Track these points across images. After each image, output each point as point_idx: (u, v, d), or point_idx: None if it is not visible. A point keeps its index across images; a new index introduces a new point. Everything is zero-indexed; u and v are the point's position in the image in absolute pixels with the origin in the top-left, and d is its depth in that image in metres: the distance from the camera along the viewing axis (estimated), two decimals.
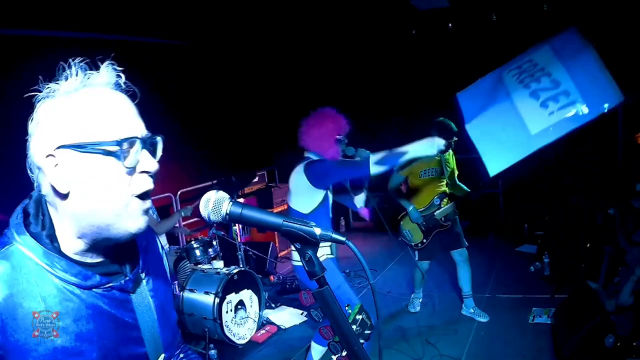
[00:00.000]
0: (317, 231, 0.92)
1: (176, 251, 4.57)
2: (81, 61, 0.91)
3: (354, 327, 1.30)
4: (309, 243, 0.93)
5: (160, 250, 1.15)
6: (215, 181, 5.73)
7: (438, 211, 4.14)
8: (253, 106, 6.68)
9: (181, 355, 1.21)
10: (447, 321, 4.23)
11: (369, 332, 1.36)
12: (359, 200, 3.22)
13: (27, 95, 0.91)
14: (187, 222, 6.00)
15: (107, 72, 0.92)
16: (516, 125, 2.90)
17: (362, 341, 1.34)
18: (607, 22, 5.54)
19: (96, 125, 0.86)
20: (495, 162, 2.92)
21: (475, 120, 3.00)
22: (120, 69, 0.93)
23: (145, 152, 0.89)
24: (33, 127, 0.90)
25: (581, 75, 2.89)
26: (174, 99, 5.52)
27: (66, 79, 0.90)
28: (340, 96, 7.53)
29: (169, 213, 5.82)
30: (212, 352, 3.77)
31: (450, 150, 4.16)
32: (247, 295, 4.16)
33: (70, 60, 0.91)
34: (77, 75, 0.90)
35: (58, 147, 0.86)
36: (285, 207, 4.69)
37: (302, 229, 0.92)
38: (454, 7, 5.81)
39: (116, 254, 0.95)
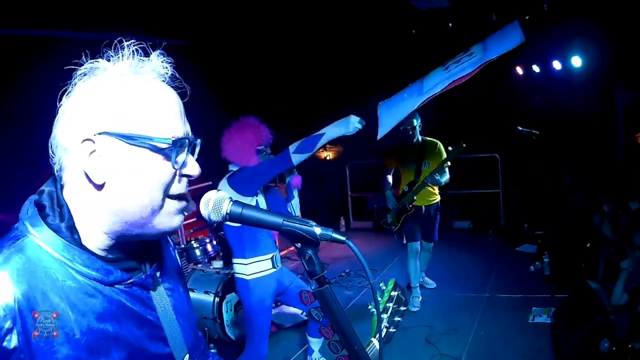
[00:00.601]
0: (317, 231, 0.92)
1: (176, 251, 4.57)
2: (136, 44, 0.86)
3: (389, 304, 1.30)
4: (309, 243, 0.93)
5: (172, 250, 1.10)
6: None
7: (406, 197, 4.55)
8: (253, 106, 6.68)
9: None
10: (447, 321, 4.23)
11: (404, 308, 1.36)
12: (295, 206, 3.19)
13: (67, 67, 0.84)
14: (187, 221, 6.01)
15: (160, 63, 0.87)
16: (414, 90, 2.96)
17: (397, 319, 1.35)
18: (607, 23, 5.54)
19: (150, 118, 0.81)
20: (385, 124, 2.96)
21: (387, 100, 3.05)
22: (171, 61, 0.88)
23: (191, 156, 0.87)
24: (70, 104, 0.82)
25: (489, 38, 2.98)
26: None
27: (109, 59, 0.84)
28: (339, 96, 7.55)
29: None
30: (212, 351, 3.78)
31: (437, 141, 4.61)
32: None
33: (123, 39, 0.85)
34: (131, 58, 0.85)
35: (100, 133, 0.79)
36: None
37: (302, 229, 0.92)
38: (454, 7, 5.81)
39: (135, 250, 0.91)
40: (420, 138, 4.56)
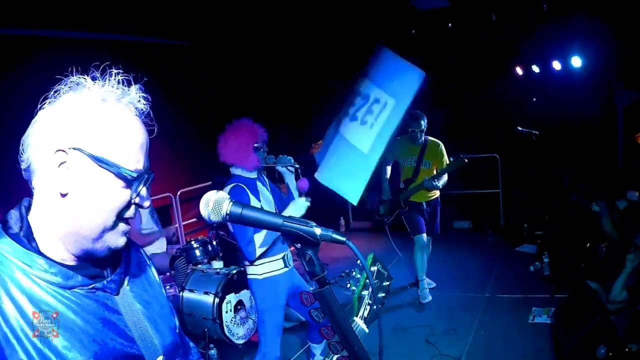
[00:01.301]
0: (318, 231, 0.92)
1: (176, 251, 4.57)
2: (118, 72, 0.93)
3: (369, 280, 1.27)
4: (309, 243, 0.93)
5: (145, 257, 1.15)
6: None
7: (401, 194, 4.65)
8: (253, 106, 6.69)
9: None
10: (447, 321, 4.23)
11: (387, 283, 1.33)
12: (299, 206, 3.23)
13: (58, 74, 0.91)
14: (187, 222, 6.01)
15: (138, 97, 0.94)
16: (350, 152, 3.11)
17: (382, 294, 1.32)
18: (607, 23, 5.55)
19: (122, 149, 0.89)
20: (352, 193, 3.12)
21: (320, 167, 3.19)
22: (146, 97, 0.95)
23: (145, 189, 0.94)
24: (51, 113, 0.88)
25: (382, 77, 3.12)
26: (175, 99, 5.52)
27: (95, 79, 0.91)
28: (339, 95, 7.55)
29: (169, 213, 5.83)
30: (212, 352, 3.77)
31: (439, 142, 4.65)
32: (246, 295, 4.16)
33: (111, 64, 0.93)
34: (116, 86, 0.92)
35: (74, 148, 0.86)
36: None
37: (302, 229, 0.92)
38: (454, 7, 5.81)
39: (97, 259, 0.95)
40: (423, 138, 4.61)
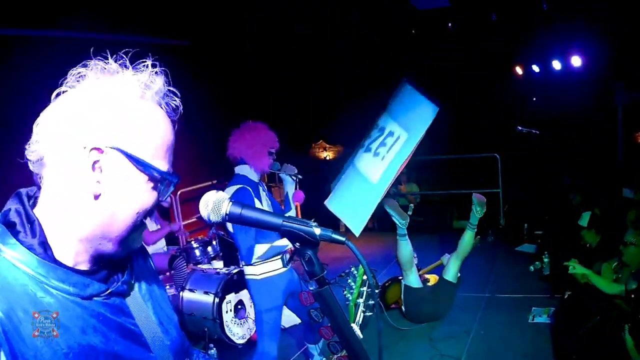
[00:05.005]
0: (317, 231, 0.92)
1: (176, 251, 4.57)
2: (155, 63, 0.89)
3: (363, 289, 1.32)
4: (308, 243, 0.93)
5: (145, 253, 1.10)
6: (215, 181, 5.74)
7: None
8: (252, 106, 6.70)
9: None
10: (447, 321, 4.23)
11: (377, 290, 1.37)
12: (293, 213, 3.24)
13: (95, 50, 0.86)
14: (187, 222, 6.01)
15: (168, 92, 0.91)
16: (360, 182, 3.20)
17: (371, 302, 1.36)
18: (607, 23, 5.55)
19: (159, 150, 0.86)
20: (356, 223, 3.20)
21: (331, 195, 3.25)
22: (175, 92, 0.93)
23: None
24: (81, 103, 0.80)
25: (398, 111, 3.22)
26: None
27: (125, 68, 0.86)
28: (340, 95, 7.56)
29: (169, 213, 5.83)
30: (212, 352, 3.78)
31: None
32: (246, 295, 4.16)
33: (149, 55, 0.89)
34: (152, 80, 0.87)
35: (112, 147, 0.79)
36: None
37: (301, 229, 0.92)
38: (454, 7, 5.82)
39: (107, 260, 0.89)
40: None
